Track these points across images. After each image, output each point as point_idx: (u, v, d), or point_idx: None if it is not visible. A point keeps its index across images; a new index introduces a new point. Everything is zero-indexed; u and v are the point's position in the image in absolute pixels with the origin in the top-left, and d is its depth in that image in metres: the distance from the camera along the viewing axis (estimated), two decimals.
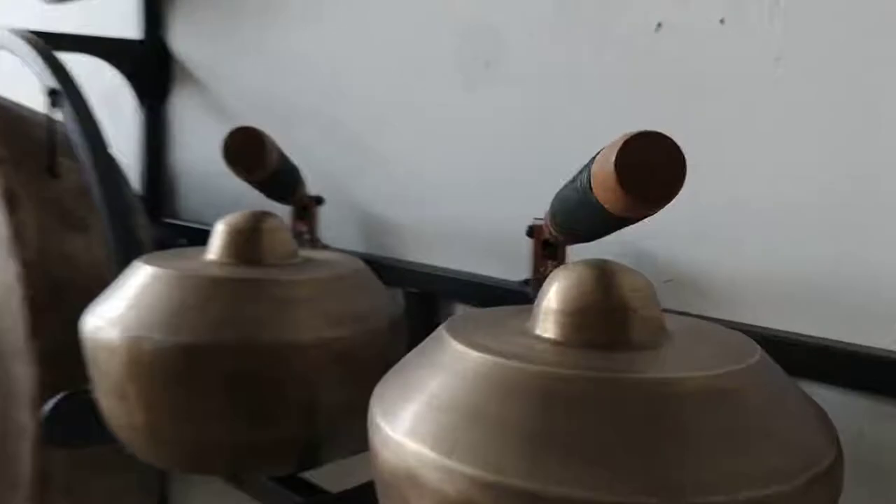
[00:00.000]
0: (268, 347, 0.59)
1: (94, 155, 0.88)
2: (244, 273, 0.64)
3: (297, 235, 0.90)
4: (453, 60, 0.83)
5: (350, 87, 0.96)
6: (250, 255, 0.66)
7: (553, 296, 0.46)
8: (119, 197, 0.87)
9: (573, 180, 0.44)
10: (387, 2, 0.91)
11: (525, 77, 0.77)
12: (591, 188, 0.39)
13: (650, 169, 0.36)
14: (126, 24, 1.24)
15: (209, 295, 0.60)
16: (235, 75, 1.12)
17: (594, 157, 0.41)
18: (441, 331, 0.48)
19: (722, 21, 0.62)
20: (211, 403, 0.59)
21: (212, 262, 0.67)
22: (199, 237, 1.14)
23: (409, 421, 0.43)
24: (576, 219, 0.46)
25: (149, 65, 1.20)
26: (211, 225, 1.16)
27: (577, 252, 0.62)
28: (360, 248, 0.94)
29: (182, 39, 1.20)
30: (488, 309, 0.55)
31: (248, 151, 0.63)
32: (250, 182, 0.70)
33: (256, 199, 1.14)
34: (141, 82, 1.21)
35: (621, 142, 0.36)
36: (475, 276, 0.82)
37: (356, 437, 0.66)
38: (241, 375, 0.59)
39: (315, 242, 0.90)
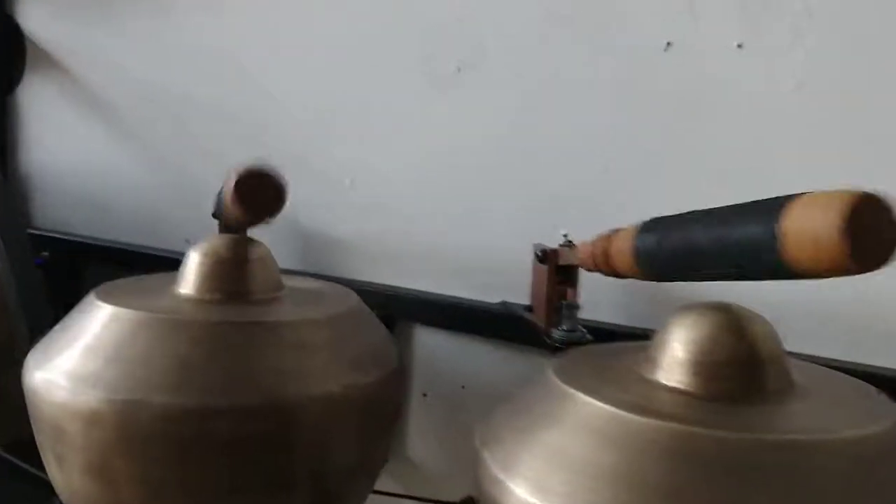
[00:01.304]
0: (296, 403, 0.50)
1: None
2: (247, 314, 0.54)
3: None
4: (417, 61, 0.76)
5: (281, 87, 0.86)
6: (236, 289, 0.57)
7: (680, 343, 0.43)
8: (10, 207, 0.72)
9: (710, 227, 0.41)
10: None
11: (506, 86, 0.72)
12: (778, 246, 0.36)
13: (870, 232, 0.34)
14: None
15: (215, 343, 0.50)
16: (111, 62, 0.97)
17: (768, 210, 0.38)
18: (553, 379, 0.44)
19: (740, 46, 0.61)
20: (225, 474, 0.49)
21: (193, 300, 0.56)
22: (62, 248, 0.99)
23: (562, 495, 0.38)
24: (706, 266, 0.42)
25: None
26: (74, 234, 1.01)
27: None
28: (293, 266, 0.84)
29: (35, 15, 1.02)
30: (584, 349, 0.51)
31: (263, 198, 0.53)
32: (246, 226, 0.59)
33: (129, 203, 1.00)
34: None
35: (844, 204, 0.33)
36: (441, 296, 0.76)
37: (366, 488, 0.60)
38: (263, 438, 0.49)
39: None
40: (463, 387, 0.75)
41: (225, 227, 0.77)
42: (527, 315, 0.66)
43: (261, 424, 0.49)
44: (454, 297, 0.76)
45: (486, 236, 0.75)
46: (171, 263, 0.94)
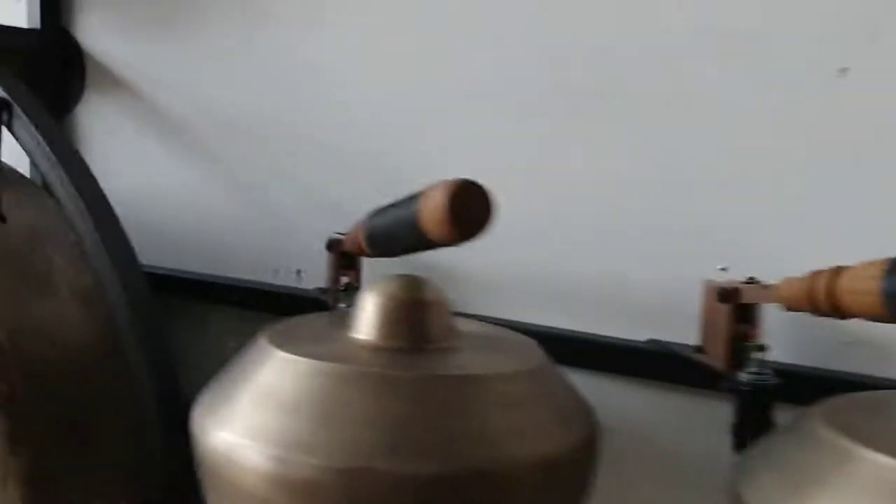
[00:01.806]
0: (522, 463, 0.45)
1: (78, 183, 0.65)
2: (450, 366, 0.49)
3: (347, 288, 0.74)
4: (546, 83, 0.72)
5: (378, 109, 0.80)
6: (418, 335, 0.52)
7: None
8: (121, 239, 0.66)
9: None
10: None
11: (654, 111, 0.68)
12: None
13: None
14: (11, 8, 0.96)
15: (430, 400, 0.46)
16: (181, 80, 0.91)
17: None
18: (842, 441, 0.40)
19: None
20: None
21: (379, 348, 0.51)
22: None
23: None
24: None
25: (48, 62, 0.94)
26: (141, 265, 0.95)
27: None
28: None
29: (94, 30, 0.96)
30: (841, 399, 0.47)
31: (475, 214, 0.48)
32: (432, 246, 0.54)
33: (201, 231, 0.93)
34: (37, 85, 0.94)
35: None
36: (577, 333, 0.72)
37: None
38: (488, 502, 0.45)
39: None
40: (615, 431, 0.71)
41: (334, 256, 0.72)
42: (697, 356, 0.63)
43: (489, 487, 0.45)
44: (593, 335, 0.71)
45: (627, 270, 0.71)
46: (251, 294, 0.89)
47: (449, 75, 0.77)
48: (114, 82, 0.95)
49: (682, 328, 0.67)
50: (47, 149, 0.64)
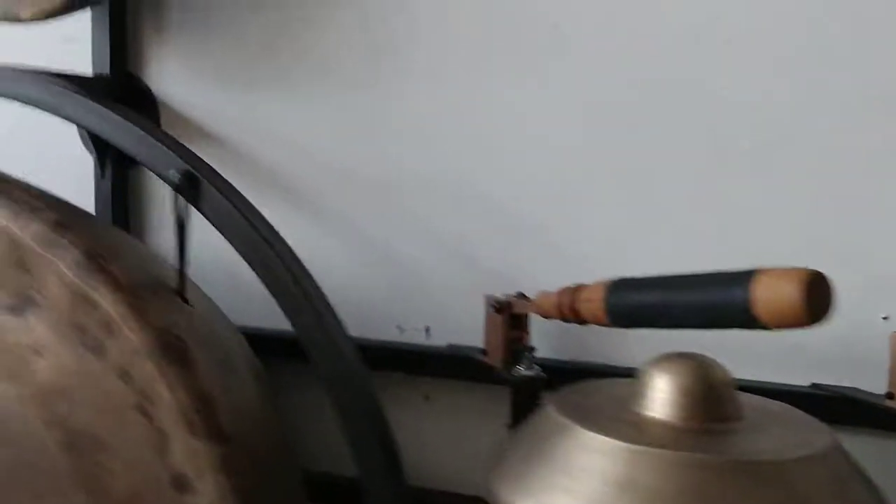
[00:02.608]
0: None
1: (287, 263, 0.62)
2: (788, 448, 0.51)
3: (517, 348, 0.74)
4: (702, 138, 0.74)
5: (518, 157, 0.80)
6: (718, 415, 0.54)
7: None
8: (334, 317, 0.63)
9: None
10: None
11: (813, 166, 0.72)
12: None
13: None
14: (75, 53, 0.87)
15: (789, 485, 0.48)
16: (287, 133, 0.86)
17: None
18: None
19: None
20: None
21: (688, 430, 0.52)
22: None
23: None
24: None
25: None
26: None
27: None
28: (563, 356, 0.79)
29: (170, 77, 0.89)
30: None
31: (824, 303, 0.50)
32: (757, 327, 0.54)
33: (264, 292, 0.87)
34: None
35: None
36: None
37: None
38: None
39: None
40: None
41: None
42: (888, 403, 0.68)
43: None
44: (750, 381, 0.75)
45: None
46: (375, 352, 0.84)
47: (598, 125, 0.78)
48: (194, 132, 0.88)
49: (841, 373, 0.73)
50: (250, 229, 0.60)
